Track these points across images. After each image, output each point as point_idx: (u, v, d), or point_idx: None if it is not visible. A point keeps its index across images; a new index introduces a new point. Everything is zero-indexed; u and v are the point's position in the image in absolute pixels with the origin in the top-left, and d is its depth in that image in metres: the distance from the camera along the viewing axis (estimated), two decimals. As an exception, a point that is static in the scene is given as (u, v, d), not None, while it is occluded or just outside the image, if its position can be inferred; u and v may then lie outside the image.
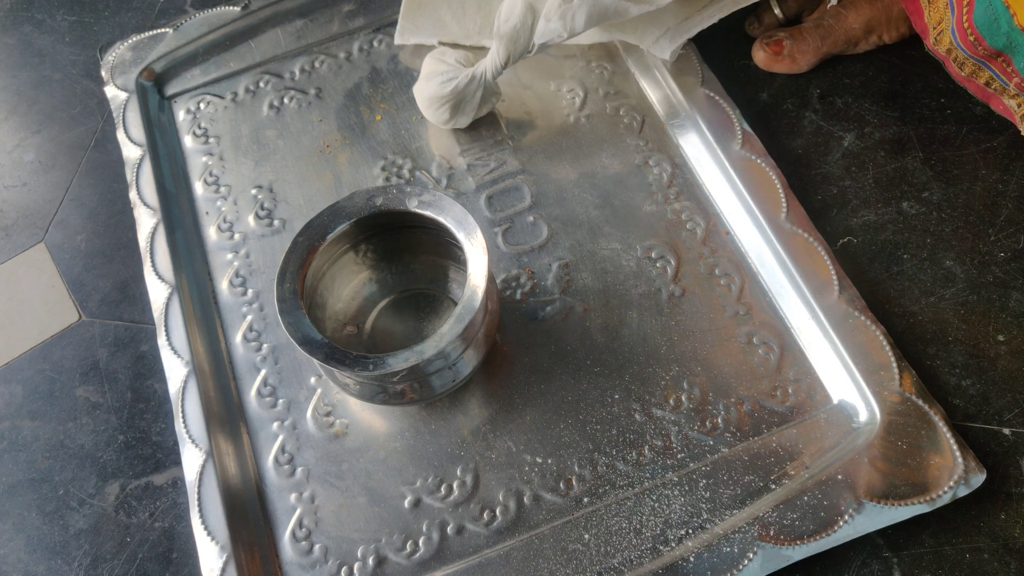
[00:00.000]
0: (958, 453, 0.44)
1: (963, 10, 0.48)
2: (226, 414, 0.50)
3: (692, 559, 0.43)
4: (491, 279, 0.45)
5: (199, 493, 0.46)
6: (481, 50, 0.60)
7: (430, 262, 0.51)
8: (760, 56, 0.61)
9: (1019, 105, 0.52)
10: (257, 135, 0.61)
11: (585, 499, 0.46)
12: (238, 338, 0.53)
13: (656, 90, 0.60)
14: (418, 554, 0.45)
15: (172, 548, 0.47)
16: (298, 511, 0.47)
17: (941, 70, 0.59)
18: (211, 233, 0.57)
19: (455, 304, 0.51)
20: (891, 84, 0.59)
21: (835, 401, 0.48)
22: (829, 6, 0.59)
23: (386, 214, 0.46)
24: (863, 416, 0.46)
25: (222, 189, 0.59)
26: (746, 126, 0.56)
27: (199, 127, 0.62)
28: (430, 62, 0.57)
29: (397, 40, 0.63)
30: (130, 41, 0.65)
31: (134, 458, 0.50)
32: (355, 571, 0.45)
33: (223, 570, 0.44)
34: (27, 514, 0.49)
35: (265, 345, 0.52)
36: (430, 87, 0.56)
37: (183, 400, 0.49)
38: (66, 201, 0.61)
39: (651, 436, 0.47)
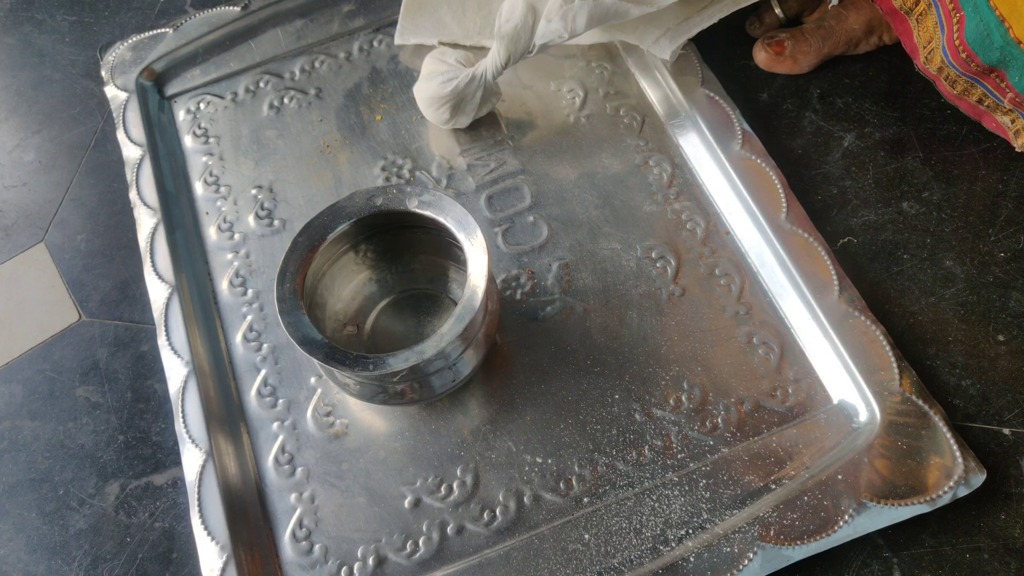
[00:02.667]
0: (958, 453, 0.44)
1: (953, 27, 0.48)
2: (226, 414, 0.50)
3: (692, 559, 0.43)
4: (491, 279, 0.45)
5: (199, 493, 0.46)
6: (481, 50, 0.60)
7: (430, 262, 0.51)
8: (761, 56, 0.61)
9: (1013, 121, 0.51)
10: (257, 135, 0.61)
11: (585, 499, 0.46)
12: (238, 338, 0.53)
13: (656, 90, 0.60)
14: (418, 554, 0.45)
15: (172, 548, 0.47)
16: (298, 511, 0.47)
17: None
18: (211, 233, 0.57)
19: (455, 304, 0.51)
20: (891, 84, 0.59)
21: (835, 401, 0.48)
22: (830, 7, 0.59)
23: (386, 214, 0.46)
24: (863, 416, 0.46)
25: (222, 189, 0.59)
26: (746, 126, 0.56)
27: (199, 127, 0.62)
28: (430, 62, 0.57)
29: (397, 40, 0.63)
30: (130, 41, 0.65)
31: (134, 458, 0.50)
32: (355, 571, 0.45)
33: (223, 570, 0.44)
34: (27, 514, 0.49)
35: (265, 345, 0.52)
36: (430, 87, 0.56)
37: (183, 400, 0.49)
38: (66, 201, 0.61)
39: (651, 436, 0.47)
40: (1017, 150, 0.52)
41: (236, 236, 0.57)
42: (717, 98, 0.57)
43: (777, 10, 0.61)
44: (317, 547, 0.46)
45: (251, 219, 0.57)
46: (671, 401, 0.48)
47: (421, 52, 0.62)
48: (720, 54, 0.61)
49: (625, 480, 0.46)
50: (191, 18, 0.65)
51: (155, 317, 0.52)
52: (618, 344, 0.50)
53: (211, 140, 0.61)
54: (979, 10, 0.46)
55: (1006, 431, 0.46)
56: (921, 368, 0.48)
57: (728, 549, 0.43)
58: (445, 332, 0.41)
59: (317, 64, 0.64)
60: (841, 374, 0.48)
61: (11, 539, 0.49)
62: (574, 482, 0.46)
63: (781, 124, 0.59)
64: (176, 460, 0.49)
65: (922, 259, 0.52)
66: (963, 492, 0.43)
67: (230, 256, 0.56)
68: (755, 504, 0.44)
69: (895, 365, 0.46)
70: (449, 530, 0.46)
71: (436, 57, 0.57)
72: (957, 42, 0.48)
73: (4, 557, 0.48)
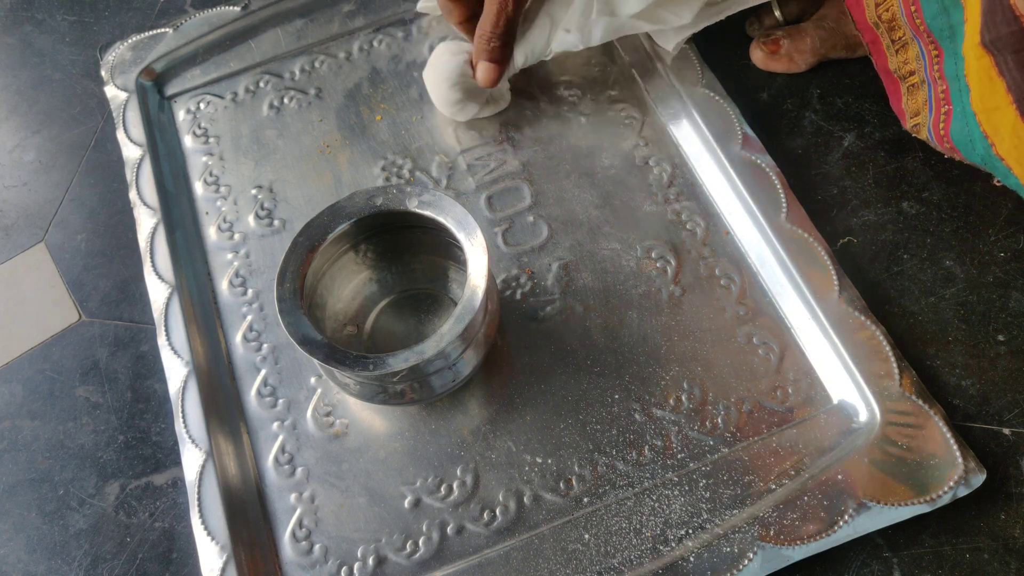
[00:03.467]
0: (958, 453, 0.44)
1: (940, 116, 0.47)
2: (226, 414, 0.50)
3: (692, 559, 0.43)
4: (491, 279, 0.45)
5: (199, 493, 0.46)
6: None
7: (430, 262, 0.51)
8: (758, 55, 0.61)
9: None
10: (257, 135, 0.61)
11: (585, 499, 0.46)
12: (238, 338, 0.53)
13: (656, 90, 0.60)
14: (418, 554, 0.45)
15: (172, 548, 0.47)
16: (298, 511, 0.47)
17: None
18: (211, 233, 0.57)
19: (455, 304, 0.51)
20: (891, 84, 0.59)
21: (835, 401, 0.48)
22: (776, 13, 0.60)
23: (386, 214, 0.46)
24: (863, 416, 0.46)
25: (222, 189, 0.59)
26: (746, 126, 0.56)
27: (199, 127, 0.62)
28: (442, 50, 0.57)
29: (419, 7, 0.63)
30: (130, 41, 0.65)
31: (134, 458, 0.50)
32: (355, 571, 0.45)
33: (223, 570, 0.44)
34: (27, 514, 0.49)
35: (265, 345, 0.52)
36: (441, 68, 0.56)
37: (183, 400, 0.49)
38: (66, 201, 0.61)
39: (651, 436, 0.47)
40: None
41: (236, 236, 0.57)
42: (717, 98, 0.57)
43: (777, 13, 0.61)
44: (317, 547, 0.46)
45: (251, 219, 0.57)
46: (671, 401, 0.48)
47: (429, 40, 0.62)
48: (720, 54, 0.61)
49: (625, 480, 0.46)
50: (191, 18, 0.65)
51: (155, 317, 0.52)
52: (618, 344, 0.50)
53: (211, 140, 0.61)
54: (966, 114, 0.44)
55: (1006, 431, 0.46)
56: (921, 368, 0.48)
57: (728, 549, 0.43)
58: (445, 332, 0.41)
59: (317, 64, 0.64)
60: (841, 374, 0.48)
61: (11, 539, 0.49)
62: (574, 482, 0.46)
63: (781, 124, 0.59)
64: (176, 460, 0.49)
65: (922, 259, 0.52)
66: (963, 492, 0.43)
67: (230, 256, 0.56)
68: (755, 504, 0.44)
69: (895, 365, 0.46)
70: (449, 530, 0.46)
71: (449, 48, 0.57)
72: (942, 132, 0.47)
73: (4, 557, 0.48)
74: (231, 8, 0.65)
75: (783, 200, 0.52)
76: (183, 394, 0.49)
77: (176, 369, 0.50)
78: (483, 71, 0.55)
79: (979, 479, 0.43)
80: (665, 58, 0.59)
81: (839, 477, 0.44)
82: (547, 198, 0.56)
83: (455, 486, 0.47)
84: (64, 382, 0.54)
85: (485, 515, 0.46)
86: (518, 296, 0.53)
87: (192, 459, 0.47)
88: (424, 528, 0.46)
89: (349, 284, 0.50)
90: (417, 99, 0.61)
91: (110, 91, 0.63)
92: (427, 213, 0.45)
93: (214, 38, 0.65)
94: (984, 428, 0.46)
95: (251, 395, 0.51)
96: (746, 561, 0.42)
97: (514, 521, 0.46)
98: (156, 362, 0.52)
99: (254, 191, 0.58)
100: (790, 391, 0.48)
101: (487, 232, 0.55)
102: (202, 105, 0.63)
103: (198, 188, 0.59)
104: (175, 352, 0.51)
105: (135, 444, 0.51)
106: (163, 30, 0.65)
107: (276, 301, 0.43)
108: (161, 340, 0.51)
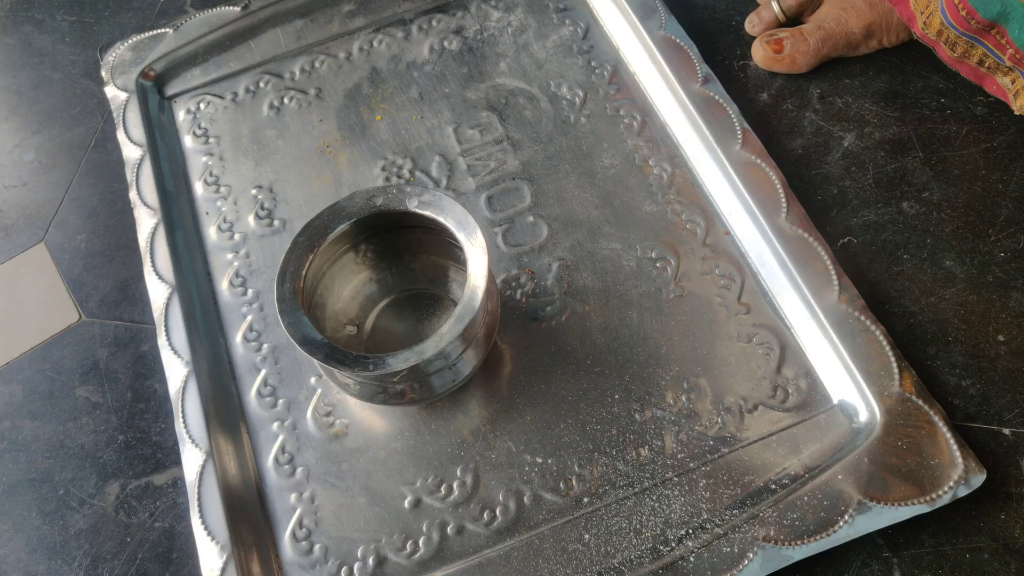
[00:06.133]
0: (958, 453, 0.44)
1: None
2: (226, 414, 0.50)
3: (692, 559, 0.43)
4: (491, 279, 0.45)
5: (199, 493, 0.46)
6: None
7: (430, 262, 0.51)
8: (760, 54, 0.61)
9: (1013, 82, 0.51)
10: (257, 135, 0.61)
11: (585, 499, 0.46)
12: (238, 338, 0.53)
13: (656, 90, 0.60)
14: (418, 554, 0.45)
15: (172, 548, 0.47)
16: (298, 511, 0.47)
17: (941, 70, 0.59)
18: (211, 233, 0.57)
19: (455, 304, 0.51)
20: (891, 84, 0.59)
21: (835, 401, 0.48)
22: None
23: (386, 214, 0.46)
24: (863, 416, 0.46)
25: (222, 189, 0.59)
26: (746, 126, 0.56)
27: (199, 127, 0.62)
28: None
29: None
30: (130, 41, 0.65)
31: (134, 458, 0.50)
32: (355, 571, 0.45)
33: (223, 570, 0.44)
34: (27, 514, 0.49)
35: (265, 345, 0.52)
36: None
37: (183, 400, 0.49)
38: (66, 201, 0.61)
39: (651, 436, 0.47)
40: (1016, 112, 0.52)
41: (236, 236, 0.57)
42: (717, 98, 0.57)
43: (776, 8, 0.61)
44: (317, 547, 0.46)
45: (251, 219, 0.57)
46: (671, 401, 0.48)
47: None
48: (720, 54, 0.61)
49: (625, 480, 0.46)
50: (191, 18, 0.65)
51: (155, 317, 0.52)
52: (618, 344, 0.50)
53: (211, 140, 0.61)
54: None
55: (1006, 431, 0.46)
56: (921, 368, 0.48)
57: (728, 549, 0.43)
58: (445, 332, 0.41)
59: (317, 64, 0.64)
60: (841, 374, 0.48)
61: (11, 539, 0.49)
62: (574, 482, 0.46)
63: (781, 124, 0.59)
64: (176, 460, 0.49)
65: (922, 259, 0.52)
66: (963, 492, 0.43)
67: (230, 256, 0.56)
68: (755, 504, 0.44)
69: (895, 365, 0.46)
70: (449, 530, 0.46)
71: None
72: (957, 0, 0.48)
73: (4, 557, 0.48)
74: (231, 8, 0.65)
75: (783, 200, 0.52)
76: (183, 394, 0.49)
77: (176, 369, 0.50)
78: None
79: (979, 479, 0.43)
80: (665, 58, 0.59)
81: (839, 477, 0.44)
82: (547, 198, 0.56)
83: (455, 486, 0.47)
84: (64, 382, 0.54)
85: (485, 515, 0.46)
86: (518, 296, 0.53)
87: (192, 459, 0.47)
88: (424, 528, 0.46)
89: (349, 284, 0.50)
90: (417, 99, 0.61)
91: (110, 91, 0.63)
92: (427, 213, 0.45)
93: (214, 38, 0.65)
94: (984, 428, 0.46)
95: (251, 395, 0.51)
96: (746, 561, 0.42)
97: (514, 521, 0.46)
98: (156, 362, 0.52)
99: (254, 191, 0.58)
100: (790, 391, 0.48)
101: (487, 232, 0.55)
102: (202, 105, 0.63)
103: (198, 188, 0.59)
104: (175, 352, 0.51)
105: (135, 444, 0.51)
106: (163, 30, 0.65)
107: (276, 301, 0.43)
108: (161, 340, 0.51)
